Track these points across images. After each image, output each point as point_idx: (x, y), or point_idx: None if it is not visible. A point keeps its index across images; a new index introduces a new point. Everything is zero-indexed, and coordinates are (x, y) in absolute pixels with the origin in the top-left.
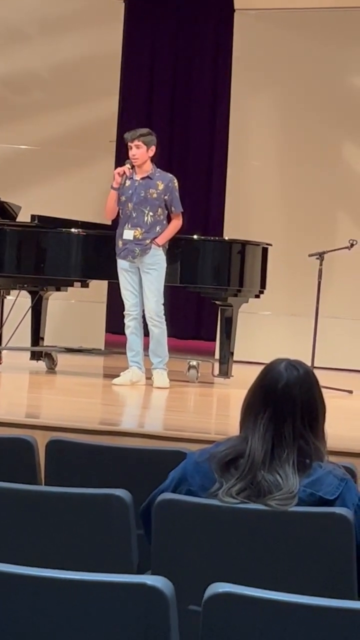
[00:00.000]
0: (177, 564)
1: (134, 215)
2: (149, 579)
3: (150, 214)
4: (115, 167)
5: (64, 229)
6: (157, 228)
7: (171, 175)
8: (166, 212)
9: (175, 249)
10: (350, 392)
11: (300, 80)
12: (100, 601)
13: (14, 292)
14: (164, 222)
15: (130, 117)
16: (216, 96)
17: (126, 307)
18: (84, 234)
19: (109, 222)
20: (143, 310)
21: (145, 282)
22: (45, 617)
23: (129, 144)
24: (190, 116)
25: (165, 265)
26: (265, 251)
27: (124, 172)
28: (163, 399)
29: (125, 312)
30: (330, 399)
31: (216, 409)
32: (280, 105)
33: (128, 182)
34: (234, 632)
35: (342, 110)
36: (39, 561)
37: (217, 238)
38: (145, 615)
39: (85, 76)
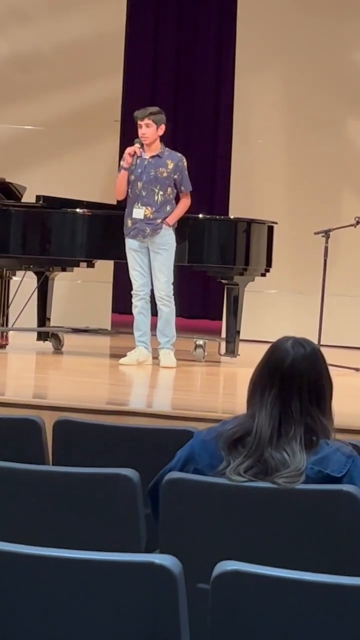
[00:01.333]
0: (185, 542)
1: (144, 194)
2: (157, 558)
3: (160, 193)
4: (121, 146)
5: (69, 209)
6: (167, 207)
7: (180, 155)
8: (175, 191)
9: (182, 229)
10: (357, 369)
11: (305, 55)
12: (109, 580)
13: (19, 273)
14: (173, 201)
15: (134, 96)
16: (220, 73)
17: (134, 287)
18: (90, 214)
19: (115, 202)
20: (151, 290)
21: (155, 262)
22: (53, 596)
23: (139, 122)
24: (195, 93)
25: (175, 244)
26: (270, 229)
27: (135, 152)
28: (170, 379)
29: (133, 292)
30: (337, 377)
31: (223, 387)
32: (285, 81)
33: (137, 161)
34: (243, 609)
35: (347, 85)
36: (47, 541)
37: (222, 217)
38: (154, 594)
39: (89, 55)
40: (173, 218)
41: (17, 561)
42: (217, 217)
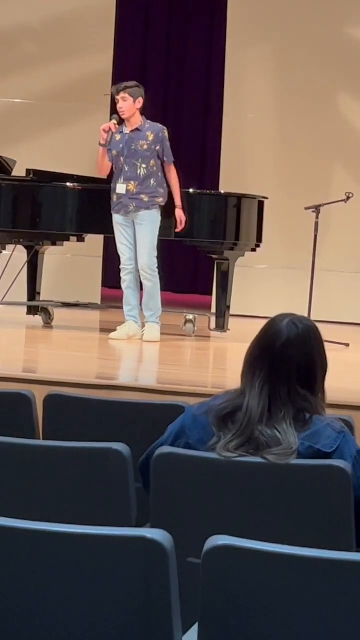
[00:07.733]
0: (176, 516)
1: (127, 169)
2: (148, 532)
3: (143, 166)
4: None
5: (59, 183)
6: (152, 181)
7: (161, 126)
8: (159, 163)
9: (174, 203)
10: (347, 345)
11: (297, 30)
12: (100, 555)
13: (9, 247)
14: (159, 174)
15: (124, 70)
16: (212, 47)
17: (122, 261)
18: (80, 188)
19: (104, 177)
20: None
21: (138, 235)
22: (44, 571)
23: (116, 97)
24: (186, 68)
25: (159, 218)
26: (261, 204)
27: (110, 128)
28: (160, 353)
29: (121, 267)
30: (328, 352)
31: (213, 362)
32: (276, 57)
33: (118, 136)
34: (234, 584)
35: (338, 62)
36: (38, 515)
37: (213, 192)
38: (145, 568)
39: (80, 29)
40: (178, 198)
41: (6, 535)
42: (208, 192)
